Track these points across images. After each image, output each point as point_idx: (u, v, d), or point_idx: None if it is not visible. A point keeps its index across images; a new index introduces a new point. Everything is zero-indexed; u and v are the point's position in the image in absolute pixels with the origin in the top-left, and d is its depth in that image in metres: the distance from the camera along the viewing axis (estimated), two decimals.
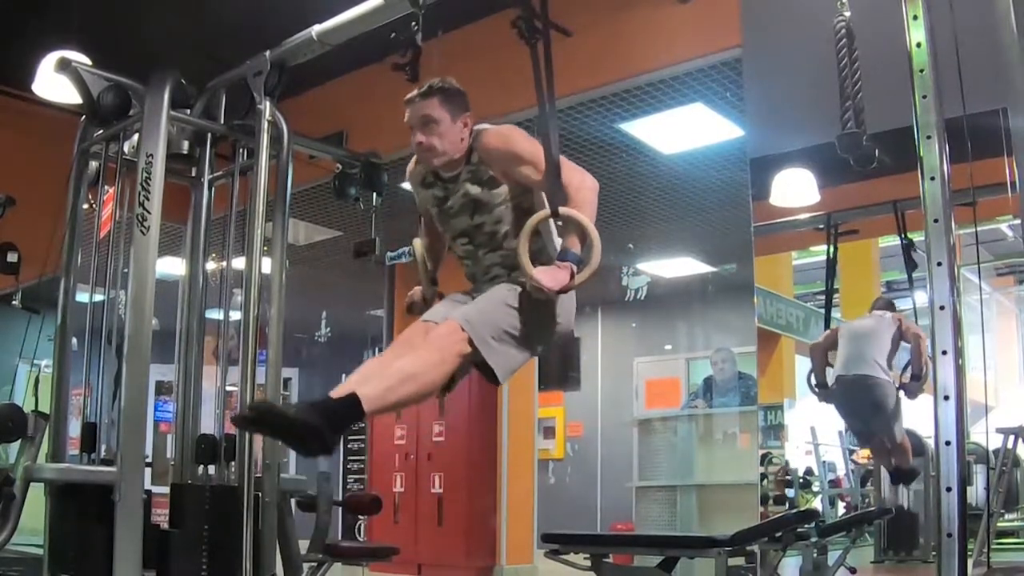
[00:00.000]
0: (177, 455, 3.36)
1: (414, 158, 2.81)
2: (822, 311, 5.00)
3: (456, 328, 2.43)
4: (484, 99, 2.97)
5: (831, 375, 4.73)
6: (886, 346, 4.57)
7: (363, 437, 8.63)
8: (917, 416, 4.58)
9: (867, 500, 5.34)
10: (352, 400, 2.23)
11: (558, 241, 2.57)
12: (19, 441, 3.31)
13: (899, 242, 4.49)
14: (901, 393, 4.52)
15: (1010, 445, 4.42)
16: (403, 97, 2.87)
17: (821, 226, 4.80)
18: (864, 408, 4.67)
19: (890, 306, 4.84)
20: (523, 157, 2.59)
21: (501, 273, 2.68)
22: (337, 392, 2.27)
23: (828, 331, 4.82)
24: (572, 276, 2.46)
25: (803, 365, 5.22)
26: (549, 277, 2.43)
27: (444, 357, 2.39)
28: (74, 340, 3.62)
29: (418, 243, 2.97)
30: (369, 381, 2.32)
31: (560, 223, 2.54)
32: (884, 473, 4.94)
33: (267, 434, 2.31)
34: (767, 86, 4.40)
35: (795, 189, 4.58)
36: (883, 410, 4.54)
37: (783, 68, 4.19)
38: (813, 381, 4.78)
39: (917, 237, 4.30)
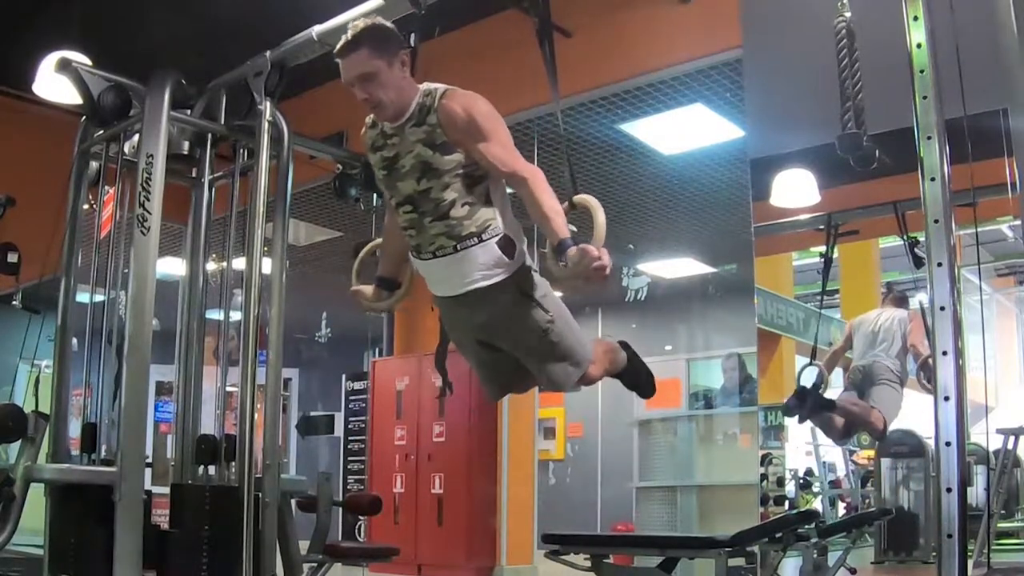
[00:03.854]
0: (177, 455, 3.36)
1: (364, 127, 2.68)
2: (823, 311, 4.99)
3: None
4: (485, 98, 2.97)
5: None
6: (900, 337, 4.60)
7: (363, 437, 8.63)
8: (918, 416, 4.58)
9: (867, 501, 5.33)
10: None
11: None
12: (19, 441, 3.31)
13: (899, 242, 4.48)
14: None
15: (1010, 446, 4.42)
16: None
17: (821, 227, 4.79)
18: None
19: (903, 302, 4.83)
20: (481, 131, 2.43)
21: (447, 244, 2.52)
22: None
23: (846, 331, 4.86)
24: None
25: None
26: (606, 256, 2.29)
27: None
28: (74, 340, 3.62)
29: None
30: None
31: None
32: (884, 473, 4.93)
33: None
34: (767, 86, 4.39)
35: (795, 189, 4.57)
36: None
37: (783, 68, 4.19)
38: (813, 380, 4.77)
39: (917, 238, 4.30)
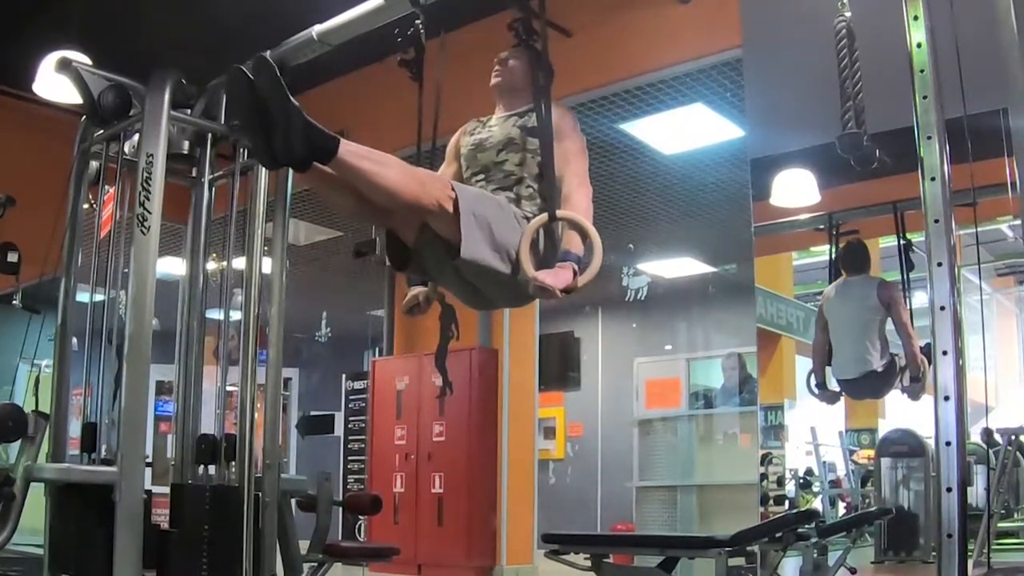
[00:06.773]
0: (177, 455, 3.35)
1: (462, 128, 2.96)
2: None
3: (450, 185, 2.45)
4: (484, 99, 2.98)
5: (830, 373, 4.72)
6: (877, 331, 4.54)
7: (363, 437, 8.63)
8: (917, 416, 4.58)
9: (867, 500, 5.34)
10: (336, 138, 2.38)
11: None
12: (19, 441, 3.31)
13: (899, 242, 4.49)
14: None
15: (1009, 444, 4.42)
16: (404, 96, 2.89)
17: (821, 226, 4.79)
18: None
19: (863, 259, 4.70)
20: (563, 133, 2.66)
21: None
22: None
23: (817, 323, 4.79)
24: (575, 276, 2.48)
25: (803, 365, 5.21)
26: (553, 277, 2.46)
27: (425, 188, 2.39)
28: (74, 340, 3.62)
29: None
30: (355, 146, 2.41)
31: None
32: (884, 473, 4.94)
33: (251, 94, 2.31)
34: (767, 86, 4.40)
35: (795, 189, 4.58)
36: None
37: (783, 68, 4.19)
38: (813, 382, 4.77)
39: (917, 237, 4.31)
